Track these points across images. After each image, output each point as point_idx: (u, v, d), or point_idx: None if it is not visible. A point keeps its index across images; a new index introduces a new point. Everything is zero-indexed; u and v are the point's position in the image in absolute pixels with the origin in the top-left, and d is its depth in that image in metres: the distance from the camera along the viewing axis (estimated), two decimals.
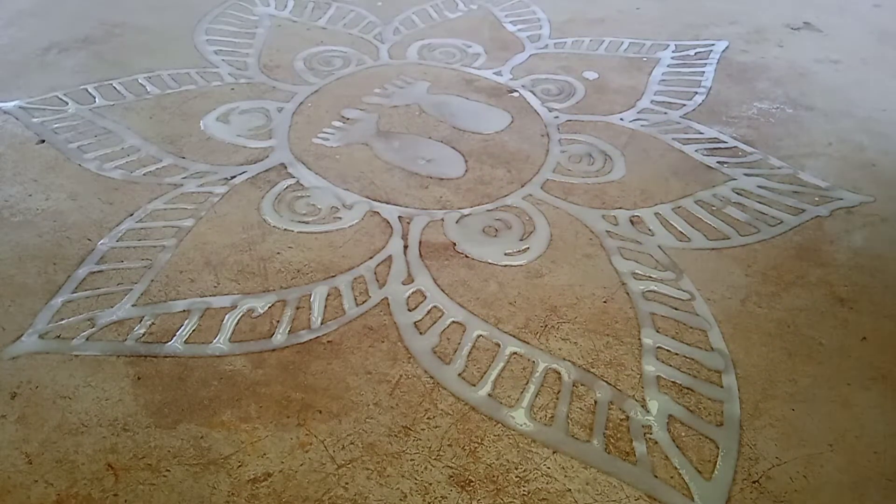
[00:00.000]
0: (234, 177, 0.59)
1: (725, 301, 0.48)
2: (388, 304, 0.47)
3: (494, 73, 0.76)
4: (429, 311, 0.47)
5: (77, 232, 0.53)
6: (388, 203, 0.57)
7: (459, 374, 0.42)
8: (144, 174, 0.59)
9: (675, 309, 0.47)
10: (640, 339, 0.45)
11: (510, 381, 0.42)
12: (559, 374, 0.42)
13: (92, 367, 0.42)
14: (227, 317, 0.46)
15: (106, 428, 0.39)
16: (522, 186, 0.59)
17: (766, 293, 0.48)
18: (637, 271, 0.50)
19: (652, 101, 0.72)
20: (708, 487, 0.36)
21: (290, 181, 0.59)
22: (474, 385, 0.42)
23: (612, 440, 0.39)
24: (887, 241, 0.53)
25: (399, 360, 0.43)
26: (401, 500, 0.36)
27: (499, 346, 0.44)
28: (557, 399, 0.41)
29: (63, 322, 0.45)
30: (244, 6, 0.91)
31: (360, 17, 0.89)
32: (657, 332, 0.45)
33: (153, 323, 0.45)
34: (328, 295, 0.48)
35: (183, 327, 0.45)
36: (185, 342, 0.44)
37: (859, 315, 0.47)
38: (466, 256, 0.51)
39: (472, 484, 0.36)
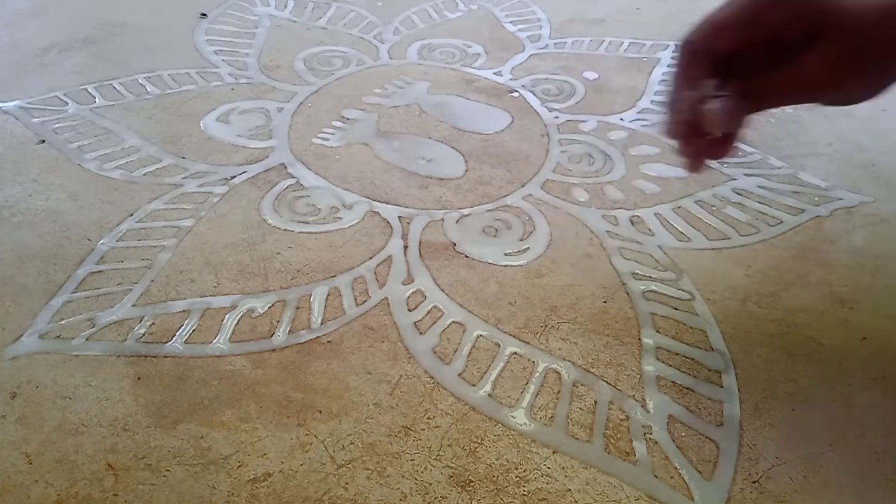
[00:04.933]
0: (234, 177, 0.59)
1: (725, 301, 0.48)
2: (388, 304, 0.47)
3: (494, 73, 0.76)
4: (429, 311, 0.47)
5: (77, 232, 0.53)
6: (388, 203, 0.57)
7: (459, 374, 0.42)
8: (144, 174, 0.59)
9: (675, 309, 0.47)
10: (640, 339, 0.45)
11: (510, 381, 0.42)
12: (559, 374, 0.42)
13: (92, 367, 0.42)
14: (227, 317, 0.46)
15: (106, 428, 0.39)
16: (522, 186, 0.59)
17: (766, 293, 0.48)
18: (637, 271, 0.50)
19: (652, 101, 0.72)
20: (708, 487, 0.36)
21: (290, 181, 0.59)
22: (474, 385, 0.42)
23: (612, 440, 0.39)
24: (887, 241, 0.53)
25: (399, 360, 0.43)
26: (401, 500, 0.36)
27: (499, 346, 0.44)
28: (557, 399, 0.41)
29: (63, 322, 0.45)
30: (244, 6, 0.91)
31: (360, 17, 0.89)
32: (657, 332, 0.45)
33: (153, 323, 0.45)
34: (328, 295, 0.48)
35: (183, 327, 0.45)
36: (185, 342, 0.44)
37: (859, 315, 0.47)
38: (466, 256, 0.51)
39: (472, 484, 0.36)
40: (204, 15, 0.86)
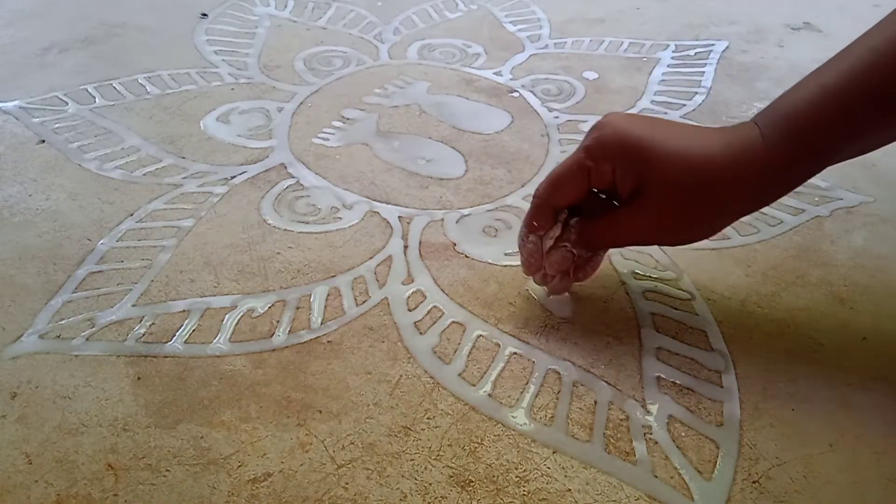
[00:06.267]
0: (234, 177, 0.59)
1: (725, 301, 0.48)
2: (388, 304, 0.47)
3: (494, 73, 0.76)
4: (429, 311, 0.47)
5: (77, 232, 0.53)
6: (388, 203, 0.57)
7: (459, 374, 0.42)
8: (144, 174, 0.59)
9: (675, 309, 0.47)
10: (640, 339, 0.45)
11: (510, 381, 0.42)
12: (559, 374, 0.42)
13: (92, 367, 0.42)
14: (227, 317, 0.46)
15: (106, 428, 0.39)
16: (522, 186, 0.59)
17: (766, 293, 0.48)
18: (637, 271, 0.50)
19: (652, 102, 0.72)
20: (708, 487, 0.36)
21: (290, 181, 0.59)
22: (474, 385, 0.42)
23: (612, 440, 0.39)
24: (887, 241, 0.53)
25: (399, 360, 0.43)
26: (401, 500, 0.36)
27: (499, 346, 0.44)
28: (557, 399, 0.41)
29: (63, 322, 0.45)
30: (244, 6, 0.91)
31: (360, 17, 0.89)
32: (657, 332, 0.45)
33: (153, 323, 0.45)
34: (328, 295, 0.48)
35: (183, 327, 0.45)
36: (185, 342, 0.44)
37: (859, 315, 0.47)
38: (466, 256, 0.51)
39: (472, 484, 0.36)
40: (205, 15, 0.87)
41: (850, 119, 0.36)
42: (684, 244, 0.42)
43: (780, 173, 0.37)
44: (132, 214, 0.55)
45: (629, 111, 0.70)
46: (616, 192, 0.40)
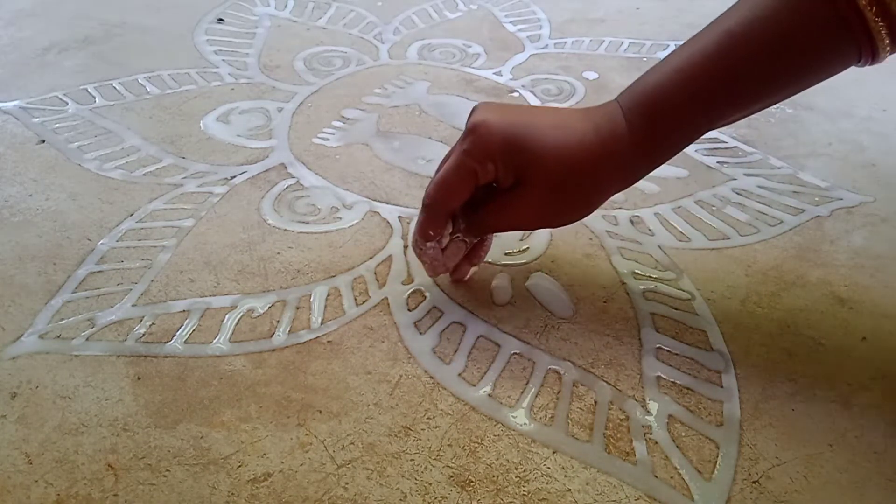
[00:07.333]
0: (234, 177, 0.59)
1: (725, 301, 0.48)
2: (388, 304, 0.47)
3: (494, 73, 0.76)
4: (429, 311, 0.47)
5: (77, 232, 0.53)
6: (388, 203, 0.57)
7: (459, 374, 0.42)
8: (144, 174, 0.59)
9: (675, 309, 0.47)
10: (640, 339, 0.45)
11: (510, 381, 0.42)
12: (559, 374, 0.42)
13: (92, 367, 0.42)
14: (227, 317, 0.46)
15: (106, 428, 0.39)
16: None
17: (766, 293, 0.48)
18: (637, 271, 0.50)
19: None
20: (708, 487, 0.36)
21: (290, 181, 0.59)
22: (474, 385, 0.42)
23: (612, 440, 0.39)
24: (887, 241, 0.53)
25: (399, 360, 0.43)
26: (401, 500, 0.36)
27: (499, 346, 0.44)
28: (557, 399, 0.41)
29: (63, 322, 0.45)
30: (244, 6, 0.91)
31: (360, 17, 0.89)
32: (657, 332, 0.45)
33: (153, 323, 0.45)
34: (328, 295, 0.48)
35: (183, 327, 0.45)
36: (185, 342, 0.44)
37: (859, 315, 0.47)
38: None
39: (472, 484, 0.36)
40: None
41: (704, 100, 0.37)
42: (564, 225, 0.45)
43: (643, 152, 0.39)
44: (132, 214, 0.55)
45: None
46: (497, 183, 0.42)
